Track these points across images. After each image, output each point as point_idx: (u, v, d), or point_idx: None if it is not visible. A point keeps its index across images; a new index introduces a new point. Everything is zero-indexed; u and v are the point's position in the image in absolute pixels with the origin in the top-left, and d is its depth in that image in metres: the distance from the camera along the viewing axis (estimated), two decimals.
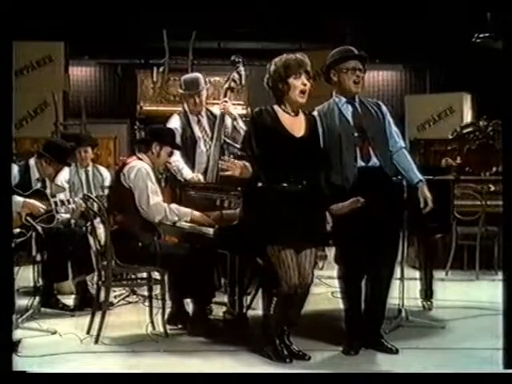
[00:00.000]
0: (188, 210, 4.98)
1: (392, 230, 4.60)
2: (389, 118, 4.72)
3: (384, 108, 4.74)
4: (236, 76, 6.04)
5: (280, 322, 4.41)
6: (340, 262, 4.69)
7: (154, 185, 4.91)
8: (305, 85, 4.34)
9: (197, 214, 4.96)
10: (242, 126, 5.94)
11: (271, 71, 4.38)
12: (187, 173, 5.81)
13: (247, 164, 4.21)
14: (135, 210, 4.88)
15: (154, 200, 4.86)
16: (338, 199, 4.42)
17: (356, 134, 4.55)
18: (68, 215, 5.96)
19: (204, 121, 6.05)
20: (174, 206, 4.99)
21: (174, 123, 5.98)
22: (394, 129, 4.73)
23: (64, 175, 6.58)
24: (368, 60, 4.71)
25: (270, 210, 4.26)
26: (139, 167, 4.91)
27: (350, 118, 4.60)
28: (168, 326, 4.93)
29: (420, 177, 4.66)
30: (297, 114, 4.41)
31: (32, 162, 5.75)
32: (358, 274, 4.61)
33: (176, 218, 4.94)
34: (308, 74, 4.37)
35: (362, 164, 4.53)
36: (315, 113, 4.61)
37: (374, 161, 4.54)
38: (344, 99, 4.63)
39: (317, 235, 4.39)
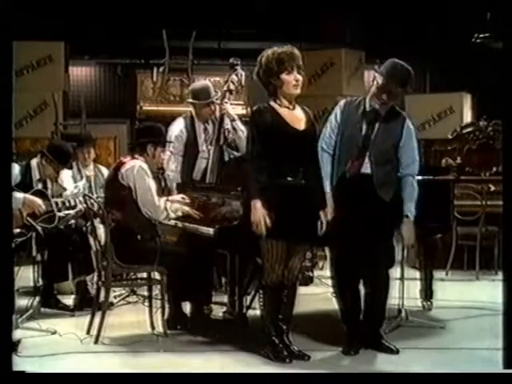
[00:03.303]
0: (178, 205, 5.06)
1: (382, 233, 4.54)
2: (411, 138, 4.58)
3: (408, 125, 4.59)
4: (234, 78, 6.02)
5: (270, 317, 4.42)
6: (332, 264, 4.71)
7: (154, 185, 4.94)
8: (297, 80, 4.34)
9: (185, 208, 5.06)
10: (241, 127, 5.92)
11: (263, 64, 4.36)
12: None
13: None
14: (135, 208, 4.88)
15: (157, 201, 4.92)
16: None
17: (359, 145, 4.49)
18: (72, 212, 5.94)
19: (210, 128, 5.99)
20: (167, 204, 5.03)
21: (178, 126, 5.94)
22: (413, 151, 4.59)
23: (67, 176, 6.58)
24: (413, 81, 4.57)
25: (271, 204, 4.26)
26: (139, 166, 4.93)
27: (365, 125, 4.52)
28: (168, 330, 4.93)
29: (411, 212, 4.54)
30: (294, 108, 4.41)
31: (34, 162, 5.76)
32: (348, 276, 4.61)
33: (173, 215, 5.00)
34: (300, 67, 4.35)
35: (354, 170, 4.49)
36: (342, 103, 4.62)
37: (366, 171, 4.49)
38: (374, 103, 4.53)
39: (313, 230, 4.38)
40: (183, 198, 5.14)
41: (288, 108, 4.38)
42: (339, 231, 4.42)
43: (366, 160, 4.50)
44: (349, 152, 4.52)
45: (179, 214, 5.03)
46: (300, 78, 4.34)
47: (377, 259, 4.58)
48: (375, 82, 4.58)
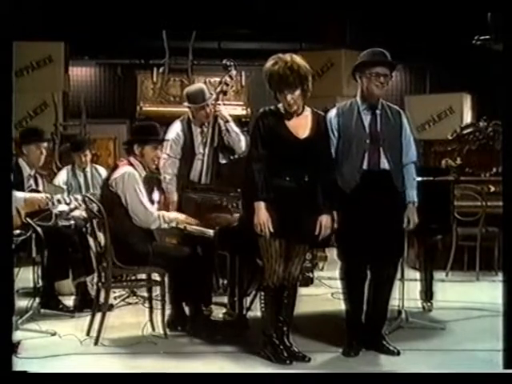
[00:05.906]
0: (173, 215, 5.06)
1: (395, 234, 4.58)
2: (407, 128, 4.67)
3: (404, 118, 4.69)
4: (228, 79, 6.00)
5: (270, 318, 4.42)
6: (342, 263, 4.68)
7: (144, 192, 4.92)
8: (286, 99, 4.30)
9: (181, 217, 5.05)
10: (234, 129, 5.91)
11: (263, 78, 4.38)
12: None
13: None
14: (125, 215, 4.86)
15: (149, 209, 4.90)
16: (339, 201, 4.43)
17: (368, 141, 4.51)
18: (66, 208, 5.91)
19: (206, 130, 5.96)
20: (161, 212, 5.03)
21: (175, 129, 5.92)
22: (409, 141, 4.67)
23: (62, 176, 6.59)
24: (395, 66, 4.66)
25: (271, 205, 4.27)
26: (128, 173, 4.87)
27: (366, 123, 4.54)
28: (168, 331, 4.92)
29: (414, 198, 4.61)
30: (301, 113, 4.40)
31: (21, 160, 5.76)
32: (360, 277, 4.60)
33: (166, 225, 4.99)
34: (292, 85, 4.27)
35: (369, 169, 4.49)
36: (334, 111, 4.60)
37: (384, 166, 4.51)
38: (366, 104, 4.56)
39: (311, 232, 4.38)
40: (187, 218, 5.08)
41: (293, 114, 4.37)
42: (354, 231, 4.41)
43: (381, 154, 4.51)
44: (357, 151, 4.50)
45: (173, 224, 5.03)
46: (291, 96, 4.28)
47: (385, 259, 4.59)
48: (359, 81, 4.59)
